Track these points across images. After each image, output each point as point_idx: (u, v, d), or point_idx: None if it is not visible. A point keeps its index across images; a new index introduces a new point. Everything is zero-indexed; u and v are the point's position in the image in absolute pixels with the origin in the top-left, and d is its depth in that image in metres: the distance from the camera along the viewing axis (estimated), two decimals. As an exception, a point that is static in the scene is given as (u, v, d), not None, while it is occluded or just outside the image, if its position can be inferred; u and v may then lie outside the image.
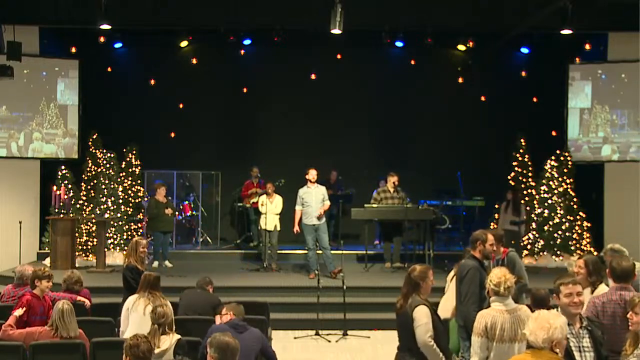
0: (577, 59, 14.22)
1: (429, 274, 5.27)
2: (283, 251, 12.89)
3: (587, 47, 14.10)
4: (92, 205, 12.85)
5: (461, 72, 15.06)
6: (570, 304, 4.52)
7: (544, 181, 13.12)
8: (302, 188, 11.61)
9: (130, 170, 13.29)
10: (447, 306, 6.61)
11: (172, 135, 15.03)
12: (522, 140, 13.48)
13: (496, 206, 13.12)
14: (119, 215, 12.63)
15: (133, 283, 7.09)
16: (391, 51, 14.98)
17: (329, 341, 9.24)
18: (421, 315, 5.10)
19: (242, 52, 14.99)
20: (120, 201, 12.77)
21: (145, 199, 13.38)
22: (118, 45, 14.62)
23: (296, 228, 11.66)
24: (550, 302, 6.06)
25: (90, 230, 12.70)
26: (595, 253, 11.99)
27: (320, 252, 11.57)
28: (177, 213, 13.28)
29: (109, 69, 14.80)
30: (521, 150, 13.47)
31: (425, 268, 5.34)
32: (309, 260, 11.61)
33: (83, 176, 13.31)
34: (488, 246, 5.99)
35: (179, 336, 5.53)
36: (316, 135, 14.84)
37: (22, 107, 13.57)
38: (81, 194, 13.15)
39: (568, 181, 13.23)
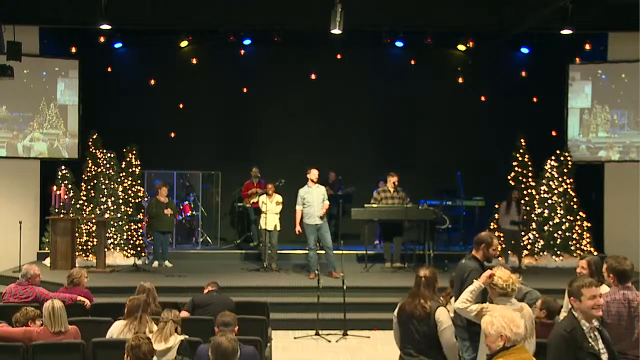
0: (577, 59, 14.21)
1: (437, 274, 5.39)
2: (283, 251, 12.90)
3: (587, 47, 14.10)
4: (92, 205, 12.84)
5: (461, 72, 15.06)
6: (594, 306, 4.48)
7: (544, 181, 13.12)
8: (303, 188, 11.60)
9: (130, 170, 13.27)
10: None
11: (172, 135, 15.04)
12: (522, 140, 13.47)
13: (496, 206, 13.12)
14: (119, 215, 12.62)
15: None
16: (391, 51, 14.98)
17: (329, 341, 9.24)
18: (446, 317, 5.16)
19: (242, 52, 15.00)
20: (120, 201, 12.76)
21: (145, 199, 13.38)
22: (118, 45, 14.63)
23: (298, 228, 11.63)
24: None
25: (90, 230, 12.69)
26: (595, 253, 12.02)
27: (321, 251, 11.57)
28: (177, 214, 13.26)
29: (109, 69, 14.81)
30: (521, 150, 13.46)
31: (434, 269, 5.45)
32: (309, 260, 11.60)
33: (83, 176, 13.30)
34: (492, 250, 6.00)
35: (182, 337, 5.55)
36: (316, 135, 14.85)
37: (22, 107, 13.57)
38: (81, 194, 13.14)
39: (568, 181, 13.23)
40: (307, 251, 11.70)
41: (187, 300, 7.43)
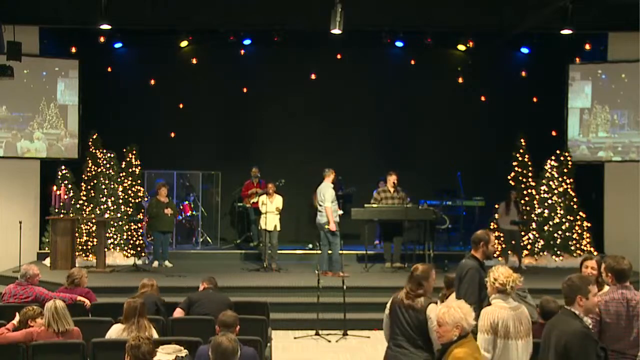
0: (577, 59, 14.21)
1: (431, 273, 5.38)
2: (283, 251, 12.89)
3: (587, 47, 14.10)
4: (92, 205, 12.84)
5: (461, 72, 15.05)
6: (597, 304, 4.72)
7: (544, 181, 13.12)
8: (331, 186, 11.60)
9: (130, 170, 13.27)
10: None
11: (172, 135, 15.04)
12: (522, 140, 13.47)
13: (496, 206, 13.12)
14: (119, 215, 12.62)
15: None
16: (391, 51, 14.98)
17: (329, 341, 9.24)
18: (435, 314, 5.14)
19: (242, 52, 14.99)
20: (120, 201, 12.76)
21: (146, 199, 13.38)
22: (118, 45, 14.63)
23: (334, 226, 11.52)
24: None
25: (90, 230, 12.69)
26: (595, 253, 12.03)
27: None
28: (177, 214, 13.24)
29: (109, 69, 14.81)
30: (521, 150, 13.46)
31: (428, 267, 5.45)
32: (337, 258, 11.51)
33: (83, 176, 13.30)
34: (491, 247, 6.00)
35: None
36: (316, 135, 14.84)
37: (22, 107, 13.57)
38: (81, 194, 13.14)
39: (568, 181, 13.23)
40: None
41: (187, 300, 7.43)
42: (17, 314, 6.28)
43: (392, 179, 12.23)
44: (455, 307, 4.44)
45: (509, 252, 12.58)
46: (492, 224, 13.06)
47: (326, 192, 11.55)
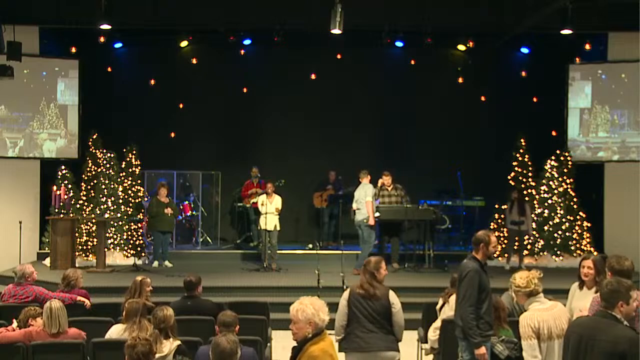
0: (577, 59, 14.21)
1: (381, 264, 6.01)
2: (283, 251, 12.89)
3: (587, 47, 14.09)
4: (92, 205, 12.85)
5: (461, 72, 15.05)
6: (635, 309, 4.46)
7: (544, 181, 13.12)
8: (370, 185, 11.71)
9: (130, 170, 13.27)
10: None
11: (172, 135, 15.03)
12: (522, 140, 13.46)
13: (496, 206, 13.11)
14: (119, 215, 12.62)
15: None
16: (391, 51, 14.97)
17: (329, 341, 9.22)
18: (397, 300, 5.95)
19: (242, 52, 14.99)
20: (120, 201, 12.76)
21: (146, 199, 13.37)
22: (118, 45, 14.64)
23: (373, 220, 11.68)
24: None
25: (90, 230, 12.69)
26: (595, 253, 12.01)
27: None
28: (177, 214, 13.23)
29: (109, 69, 14.81)
30: (521, 150, 13.45)
31: (379, 259, 6.08)
32: (364, 256, 11.60)
33: (83, 176, 13.31)
34: (491, 248, 5.99)
35: (179, 342, 5.50)
36: (316, 135, 14.84)
37: (22, 107, 13.57)
38: (81, 194, 13.15)
39: (568, 181, 13.23)
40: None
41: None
42: (14, 320, 6.27)
43: (387, 179, 12.16)
44: (308, 303, 4.32)
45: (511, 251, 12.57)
46: (492, 224, 13.06)
47: (367, 190, 11.66)
